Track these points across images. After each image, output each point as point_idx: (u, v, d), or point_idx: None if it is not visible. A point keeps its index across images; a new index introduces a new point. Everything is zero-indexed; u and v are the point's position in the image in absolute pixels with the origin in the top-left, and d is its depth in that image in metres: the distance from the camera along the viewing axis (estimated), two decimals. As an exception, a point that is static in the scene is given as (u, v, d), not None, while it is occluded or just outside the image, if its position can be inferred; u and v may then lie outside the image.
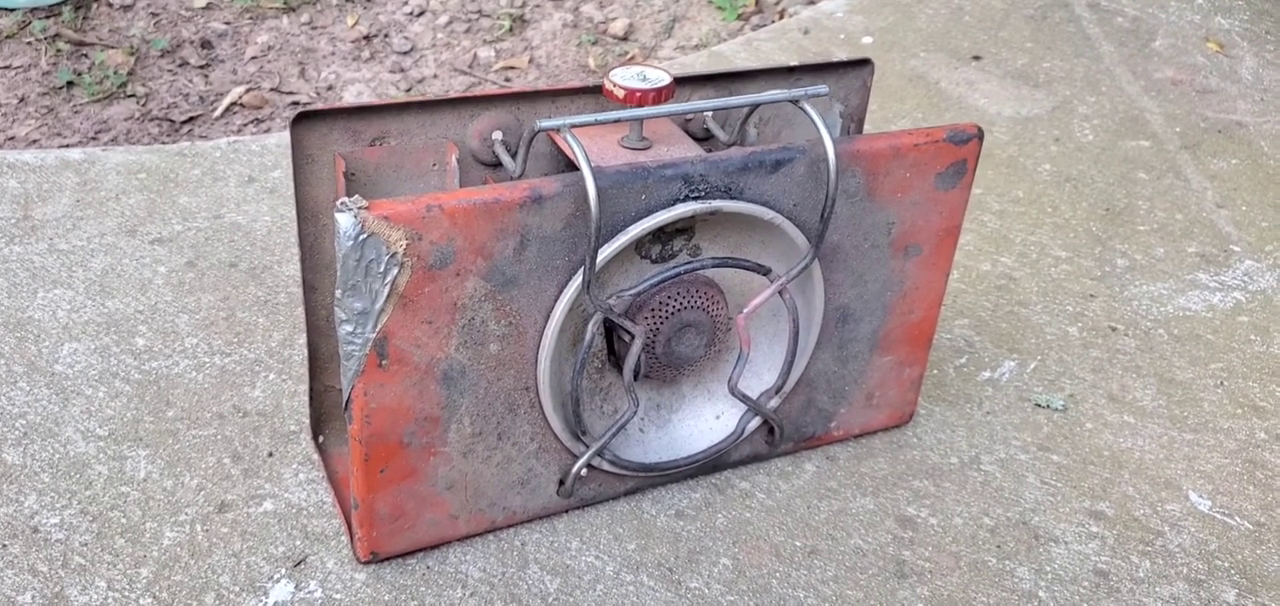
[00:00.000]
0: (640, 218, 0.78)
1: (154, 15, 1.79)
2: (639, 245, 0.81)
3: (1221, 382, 1.14)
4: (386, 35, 1.84)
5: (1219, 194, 1.50)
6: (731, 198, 0.81)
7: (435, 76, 1.76)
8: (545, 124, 0.75)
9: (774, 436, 0.95)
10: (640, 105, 0.82)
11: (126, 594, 0.82)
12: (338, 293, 0.72)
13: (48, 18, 1.73)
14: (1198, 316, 1.24)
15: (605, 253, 0.78)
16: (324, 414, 0.95)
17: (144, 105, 1.59)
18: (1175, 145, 1.62)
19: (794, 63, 0.95)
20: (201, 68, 1.70)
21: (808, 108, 0.81)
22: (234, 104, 1.61)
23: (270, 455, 0.95)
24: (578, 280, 0.78)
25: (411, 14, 1.91)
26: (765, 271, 0.86)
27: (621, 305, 0.82)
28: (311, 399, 0.93)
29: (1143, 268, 1.32)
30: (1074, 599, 0.89)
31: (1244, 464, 1.04)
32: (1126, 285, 1.29)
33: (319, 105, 0.81)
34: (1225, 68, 1.88)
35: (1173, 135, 1.64)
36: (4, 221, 1.21)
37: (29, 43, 1.68)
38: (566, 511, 0.91)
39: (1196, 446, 1.05)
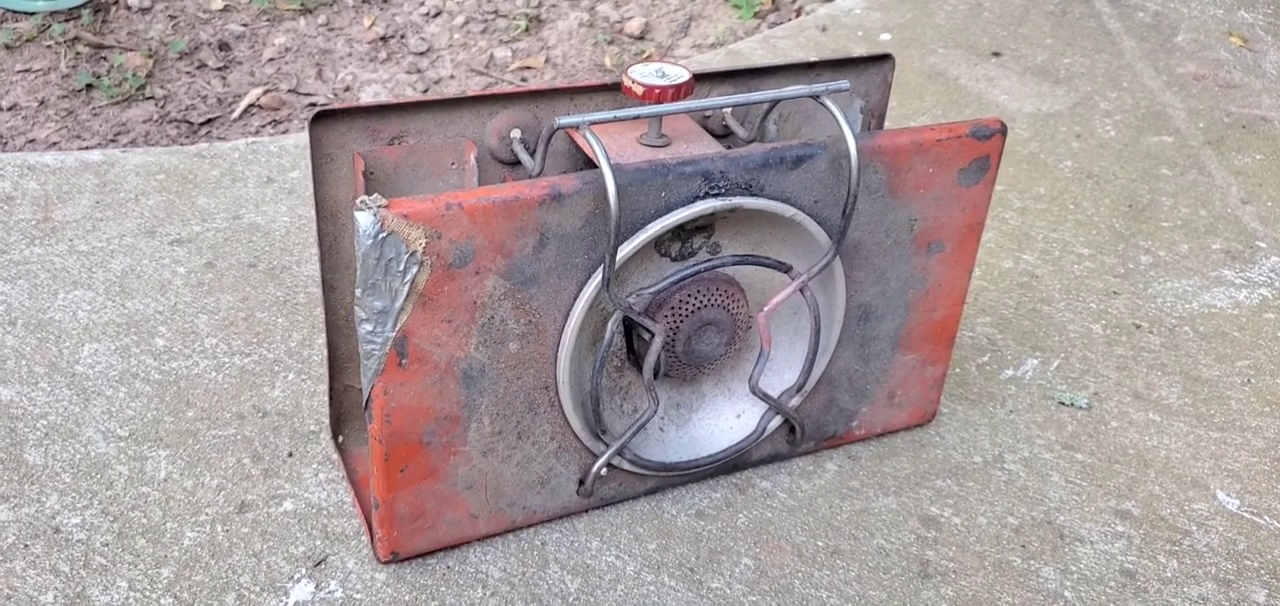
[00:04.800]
0: (660, 215, 0.78)
1: (172, 18, 1.80)
2: (659, 243, 0.81)
3: (1248, 380, 1.13)
4: (403, 36, 1.85)
5: (1244, 190, 1.48)
6: (752, 194, 0.80)
7: (452, 77, 1.76)
8: (564, 121, 0.75)
9: (795, 435, 0.95)
10: (659, 102, 0.81)
11: (147, 594, 0.82)
12: (357, 291, 0.72)
13: (67, 21, 1.74)
14: (1223, 313, 1.23)
15: (625, 250, 0.77)
16: (344, 413, 0.94)
17: (162, 107, 1.59)
18: (1198, 141, 1.60)
19: (813, 59, 0.94)
20: (219, 70, 1.70)
21: (829, 103, 0.80)
22: (252, 105, 1.62)
23: (290, 455, 0.94)
24: (597, 278, 0.78)
25: (428, 15, 1.91)
26: (786, 269, 0.85)
27: (641, 303, 0.81)
28: (331, 398, 0.93)
29: (1167, 264, 1.31)
30: (1100, 599, 0.87)
31: (1272, 462, 1.02)
32: (1150, 282, 1.27)
33: (338, 104, 0.81)
34: (1249, 62, 1.86)
35: (1196, 131, 1.63)
36: (24, 223, 1.22)
37: (48, 46, 1.68)
38: (587, 511, 0.91)
39: (1224, 444, 1.04)
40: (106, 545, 0.85)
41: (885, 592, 0.87)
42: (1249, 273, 1.30)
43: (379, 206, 0.70)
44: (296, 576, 0.84)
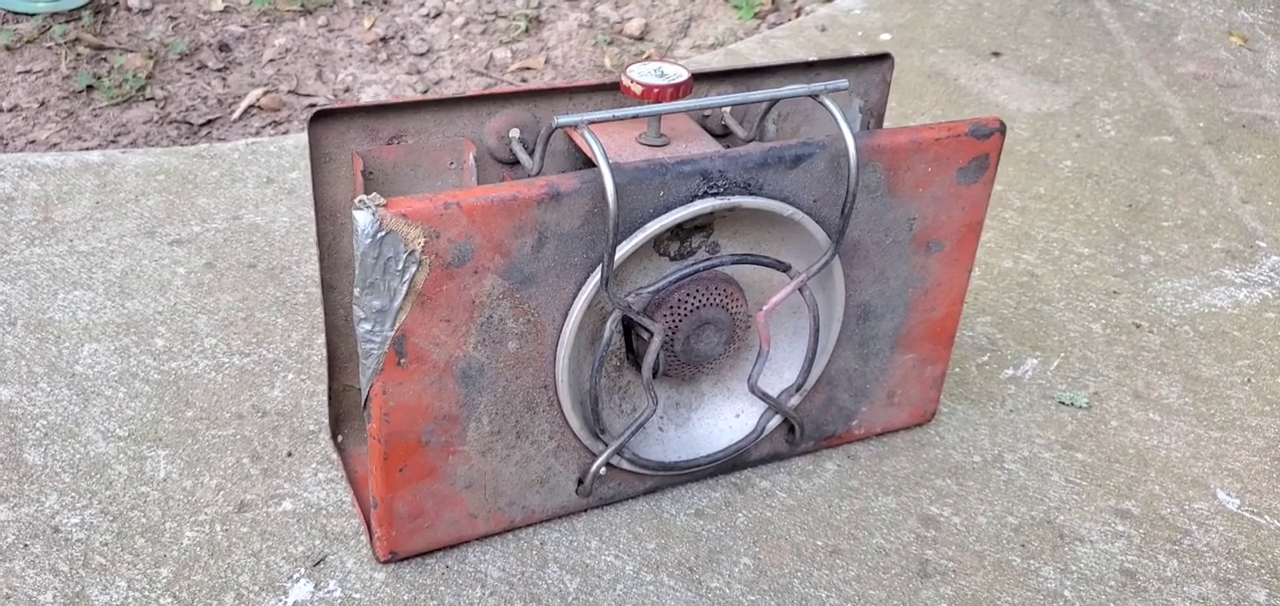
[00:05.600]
0: (659, 214, 0.78)
1: (172, 19, 1.80)
2: (657, 242, 0.81)
3: (1248, 379, 1.13)
4: (403, 37, 1.85)
5: (1244, 189, 1.48)
6: (750, 194, 0.80)
7: (452, 78, 1.76)
8: (563, 121, 0.75)
9: (794, 435, 0.95)
10: (658, 101, 0.81)
11: (147, 593, 0.82)
12: (356, 291, 0.72)
13: (67, 22, 1.74)
14: (1224, 313, 1.23)
15: (624, 250, 0.77)
16: (343, 413, 0.95)
17: (163, 108, 1.60)
18: (1198, 140, 1.60)
19: (812, 59, 0.94)
20: (219, 70, 1.70)
21: (827, 102, 0.80)
22: (252, 106, 1.62)
23: (289, 455, 0.94)
24: (596, 277, 0.78)
25: (428, 16, 1.91)
26: (785, 268, 0.85)
27: (640, 303, 0.81)
28: (330, 398, 0.93)
29: (1167, 264, 1.31)
30: (1100, 598, 0.87)
31: (1273, 461, 1.02)
32: (1150, 281, 1.27)
33: (337, 104, 0.81)
34: (1249, 62, 1.86)
35: (1196, 130, 1.63)
36: (25, 223, 1.22)
37: (49, 47, 1.69)
38: (586, 510, 0.91)
39: (1224, 444, 1.04)
40: (106, 545, 0.85)
41: (884, 592, 0.87)
42: (1249, 272, 1.30)
43: (377, 205, 0.70)
44: (295, 576, 0.84)
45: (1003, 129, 0.88)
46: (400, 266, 0.71)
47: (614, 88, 0.89)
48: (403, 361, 0.75)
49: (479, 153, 0.87)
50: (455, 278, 0.73)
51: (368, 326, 0.73)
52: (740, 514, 0.92)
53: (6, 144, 1.49)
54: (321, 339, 1.07)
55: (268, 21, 1.83)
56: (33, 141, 1.50)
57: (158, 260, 1.17)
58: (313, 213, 1.06)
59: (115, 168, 1.33)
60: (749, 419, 0.93)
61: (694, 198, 0.78)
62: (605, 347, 0.81)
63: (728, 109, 0.93)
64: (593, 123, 0.75)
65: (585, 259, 0.77)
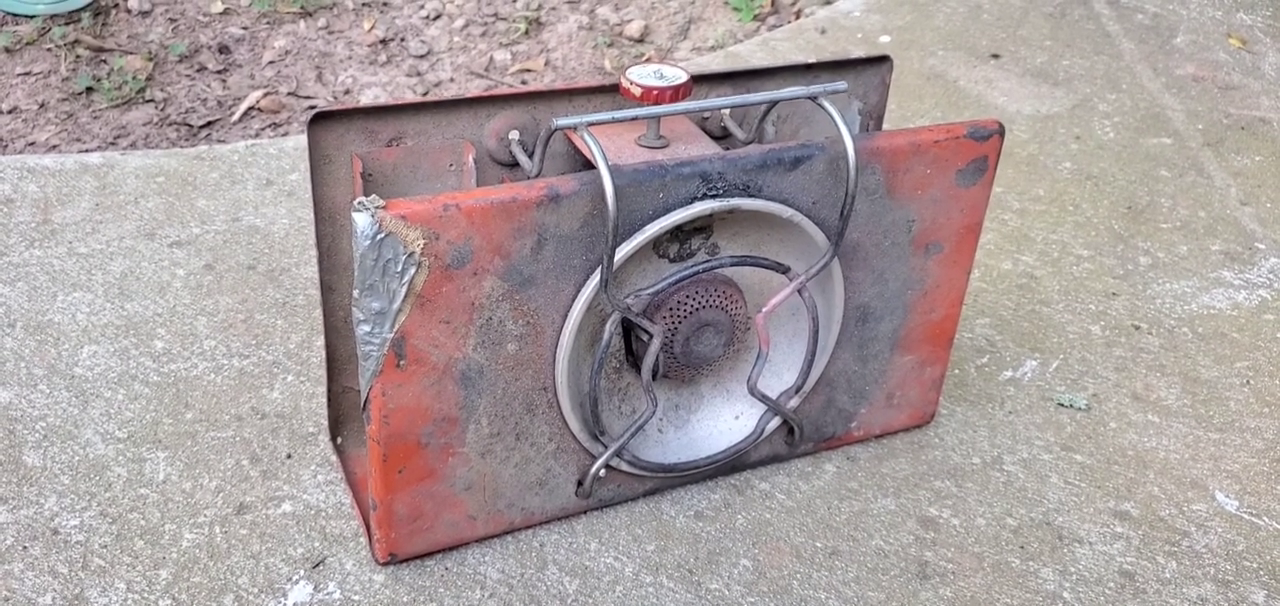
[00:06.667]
0: (658, 216, 0.78)
1: (172, 21, 1.80)
2: (657, 244, 0.81)
3: (1247, 381, 1.13)
4: (403, 39, 1.85)
5: (1243, 191, 1.48)
6: (750, 195, 0.80)
7: (451, 80, 1.76)
8: (562, 122, 0.75)
9: (794, 436, 0.95)
10: (657, 103, 0.81)
11: (146, 595, 0.82)
12: (355, 293, 0.72)
13: (67, 24, 1.74)
14: (1222, 314, 1.23)
15: (623, 251, 0.77)
16: (342, 415, 0.95)
17: (162, 110, 1.60)
18: (1197, 142, 1.60)
19: (811, 61, 0.94)
20: (219, 72, 1.70)
21: (826, 104, 0.80)
22: (252, 108, 1.62)
23: (289, 457, 0.94)
24: (595, 279, 0.78)
25: (427, 18, 1.91)
26: (784, 270, 0.85)
27: (639, 304, 0.81)
28: (330, 400, 0.93)
29: (1166, 265, 1.31)
30: (1099, 600, 0.87)
31: (1271, 463, 1.02)
32: (1149, 283, 1.27)
33: (336, 106, 0.81)
34: (1248, 63, 1.86)
35: (1195, 132, 1.63)
36: (24, 225, 1.22)
37: (49, 49, 1.69)
38: (585, 512, 0.91)
39: (1222, 445, 1.04)
40: (105, 547, 0.85)
41: (884, 593, 0.87)
42: (1248, 274, 1.30)
43: (377, 207, 0.70)
44: (295, 578, 0.84)
45: (1002, 131, 0.88)
46: (399, 268, 0.71)
47: (613, 90, 0.89)
48: (402, 363, 0.75)
49: (478, 155, 0.87)
50: (454, 279, 0.73)
51: (367, 328, 0.73)
52: (739, 515, 0.92)
53: (6, 146, 1.49)
54: (321, 341, 1.07)
55: (267, 23, 1.84)
56: (32, 143, 1.50)
57: (157, 262, 1.17)
58: (312, 214, 1.06)
59: (115, 169, 1.33)
60: (748, 420, 0.93)
61: (693, 199, 0.78)
62: (605, 349, 0.81)
63: (727, 111, 0.93)
64: (592, 124, 0.75)
65: (584, 261, 0.77)
